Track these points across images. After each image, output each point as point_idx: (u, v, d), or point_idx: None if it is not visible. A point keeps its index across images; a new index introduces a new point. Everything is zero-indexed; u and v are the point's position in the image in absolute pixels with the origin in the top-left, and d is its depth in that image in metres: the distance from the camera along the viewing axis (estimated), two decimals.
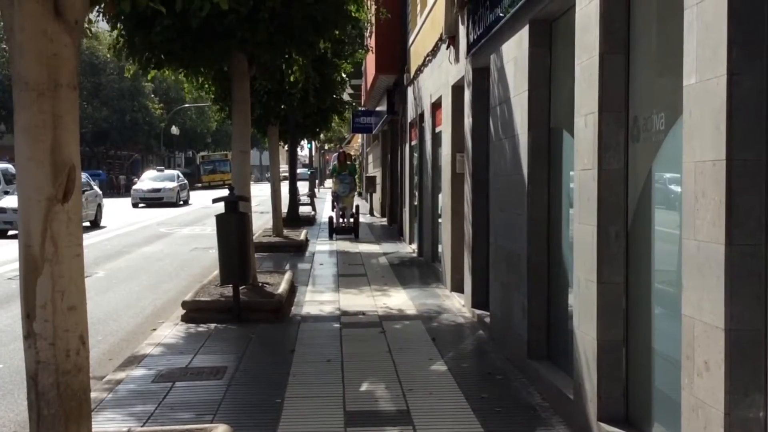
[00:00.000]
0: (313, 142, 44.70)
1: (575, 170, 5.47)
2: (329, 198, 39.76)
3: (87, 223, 24.31)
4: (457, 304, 10.22)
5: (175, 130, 61.99)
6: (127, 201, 39.24)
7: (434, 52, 12.75)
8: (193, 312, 9.36)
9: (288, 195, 23.58)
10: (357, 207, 21.08)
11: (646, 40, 4.84)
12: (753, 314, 3.43)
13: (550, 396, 6.03)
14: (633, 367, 4.96)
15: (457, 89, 10.64)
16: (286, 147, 25.03)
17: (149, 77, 11.08)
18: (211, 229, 18.82)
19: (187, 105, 61.13)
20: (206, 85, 13.00)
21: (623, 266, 4.98)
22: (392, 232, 21.84)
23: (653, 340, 4.70)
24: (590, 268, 5.10)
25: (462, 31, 9.93)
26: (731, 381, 3.43)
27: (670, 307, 4.44)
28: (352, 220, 20.40)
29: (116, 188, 55.61)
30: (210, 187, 60.57)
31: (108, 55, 54.05)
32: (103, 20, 9.16)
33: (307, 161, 64.44)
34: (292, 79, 10.83)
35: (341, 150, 26.57)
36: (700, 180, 3.63)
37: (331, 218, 20.63)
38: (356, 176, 22.70)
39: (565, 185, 6.29)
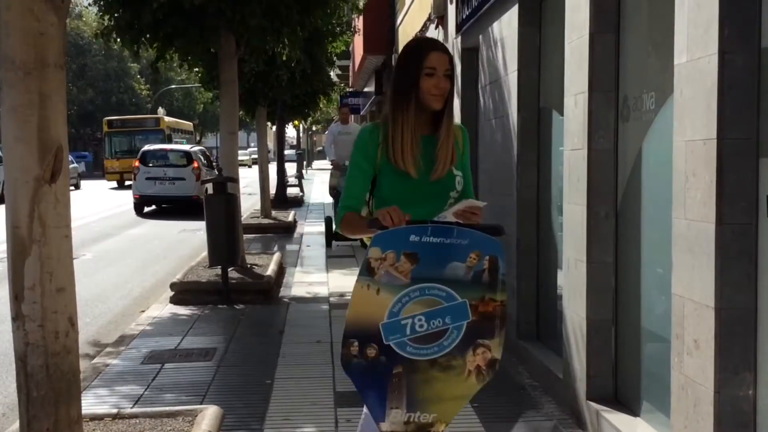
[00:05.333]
0: (301, 124, 44.46)
1: (565, 150, 5.46)
2: (317, 180, 39.11)
3: None
4: None
5: (161, 111, 61.70)
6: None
7: (423, 32, 12.70)
8: (182, 294, 9.34)
9: (276, 176, 23.48)
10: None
11: (636, 19, 4.82)
12: (743, 293, 3.43)
13: (540, 376, 6.05)
14: (622, 346, 4.98)
15: None
16: (274, 128, 24.90)
17: (158, 64, 10.96)
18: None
19: (173, 86, 60.81)
20: (193, 63, 12.93)
21: (613, 246, 4.99)
22: None
23: (642, 319, 4.71)
24: (580, 248, 5.11)
25: (451, 10, 9.89)
26: (721, 359, 3.44)
27: (659, 287, 4.45)
28: None
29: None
30: (121, 181, 36.26)
31: (93, 37, 53.84)
32: None
33: (294, 143, 63.78)
34: (284, 57, 10.76)
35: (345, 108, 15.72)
36: (690, 159, 3.63)
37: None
38: None
39: (554, 165, 6.28)
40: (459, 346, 2.97)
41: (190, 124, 49.66)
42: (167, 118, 41.87)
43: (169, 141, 36.40)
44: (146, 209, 22.30)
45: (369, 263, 3.01)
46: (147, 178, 21.88)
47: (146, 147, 24.52)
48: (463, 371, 2.98)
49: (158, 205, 22.71)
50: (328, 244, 13.64)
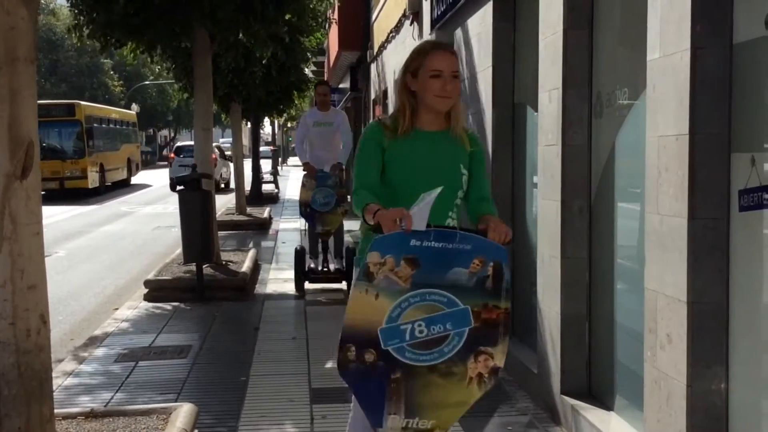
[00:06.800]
0: (276, 121, 44.24)
1: (539, 146, 5.48)
2: (292, 176, 38.75)
3: None
4: None
5: (135, 108, 61.23)
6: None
7: (398, 28, 12.69)
8: (156, 291, 9.28)
9: (251, 173, 23.39)
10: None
11: (609, 15, 4.85)
12: (715, 287, 3.46)
13: (515, 371, 6.07)
14: (596, 340, 5.01)
15: None
16: (248, 125, 24.79)
17: (129, 56, 10.87)
18: (173, 207, 18.65)
19: (147, 83, 60.35)
20: (163, 58, 12.84)
21: (587, 241, 5.02)
22: None
23: (616, 313, 4.74)
24: (554, 244, 5.13)
25: (426, 6, 9.89)
26: (693, 353, 3.47)
27: (632, 281, 4.47)
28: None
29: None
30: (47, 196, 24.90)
31: (65, 33, 53.21)
32: None
33: (269, 139, 63.27)
34: (261, 54, 10.70)
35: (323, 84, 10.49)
36: (663, 154, 3.65)
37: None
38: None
39: (529, 161, 6.30)
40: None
41: (132, 113, 40.10)
42: (84, 104, 31.14)
43: (90, 136, 29.04)
44: (178, 188, 27.68)
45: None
46: (179, 165, 28.28)
47: (179, 143, 35.77)
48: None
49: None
50: (299, 289, 9.43)
